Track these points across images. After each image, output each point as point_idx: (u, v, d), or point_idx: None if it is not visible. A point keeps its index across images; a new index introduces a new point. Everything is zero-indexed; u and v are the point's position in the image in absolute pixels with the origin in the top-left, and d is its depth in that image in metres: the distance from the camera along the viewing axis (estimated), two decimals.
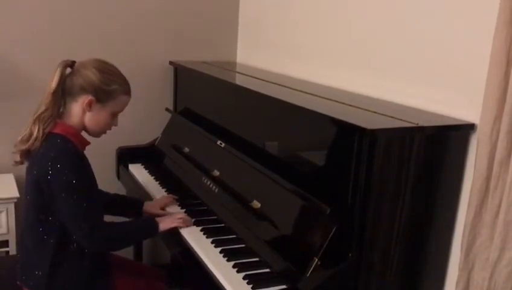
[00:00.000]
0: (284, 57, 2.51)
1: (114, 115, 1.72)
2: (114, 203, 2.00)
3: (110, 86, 1.66)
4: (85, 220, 1.60)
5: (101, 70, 1.65)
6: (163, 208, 2.02)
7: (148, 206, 2.01)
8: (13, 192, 2.28)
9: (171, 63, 2.71)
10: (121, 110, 1.73)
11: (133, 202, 2.06)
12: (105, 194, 1.98)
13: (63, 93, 1.64)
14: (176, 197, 2.11)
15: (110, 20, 2.58)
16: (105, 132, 1.75)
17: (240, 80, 2.42)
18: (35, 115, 1.61)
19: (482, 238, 1.45)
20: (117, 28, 2.60)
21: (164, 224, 1.81)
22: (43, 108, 1.61)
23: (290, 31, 2.47)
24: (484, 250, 1.45)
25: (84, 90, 1.63)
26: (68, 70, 1.65)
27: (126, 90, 1.71)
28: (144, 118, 2.72)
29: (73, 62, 1.66)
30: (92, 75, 1.63)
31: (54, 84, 1.61)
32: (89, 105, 1.64)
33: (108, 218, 1.78)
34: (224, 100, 2.30)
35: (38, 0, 2.42)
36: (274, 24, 2.60)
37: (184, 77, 2.68)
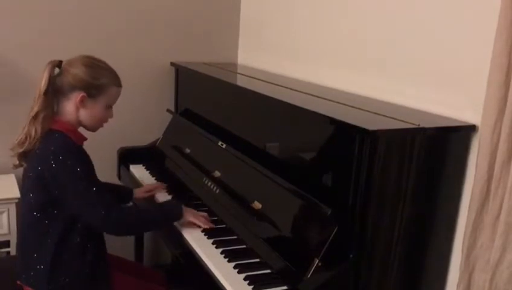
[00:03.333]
0: (285, 59, 2.51)
1: (108, 108, 1.73)
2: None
3: (99, 80, 1.67)
4: (98, 204, 1.62)
5: (88, 65, 1.66)
6: (150, 192, 2.14)
7: (138, 192, 2.13)
8: (14, 192, 2.28)
9: (172, 64, 2.71)
10: (114, 101, 1.75)
11: (123, 190, 2.16)
12: None
13: (54, 93, 1.65)
14: (165, 185, 2.21)
15: (111, 22, 2.59)
16: (102, 125, 1.77)
17: (240, 81, 2.42)
18: (30, 118, 1.63)
19: (483, 240, 1.45)
20: (118, 29, 2.60)
21: (189, 215, 1.83)
22: (36, 110, 1.62)
23: (291, 33, 2.47)
24: (485, 252, 1.45)
25: (74, 87, 1.64)
26: (56, 70, 1.66)
27: (116, 81, 1.72)
28: (145, 118, 2.72)
29: (61, 62, 1.67)
30: (79, 72, 1.64)
31: (43, 85, 1.62)
32: (82, 101, 1.66)
33: None
34: (225, 101, 2.31)
35: (39, 1, 2.43)
36: (275, 25, 2.60)
37: (185, 78, 2.68)
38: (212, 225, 1.87)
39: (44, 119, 1.62)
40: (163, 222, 1.89)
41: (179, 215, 1.82)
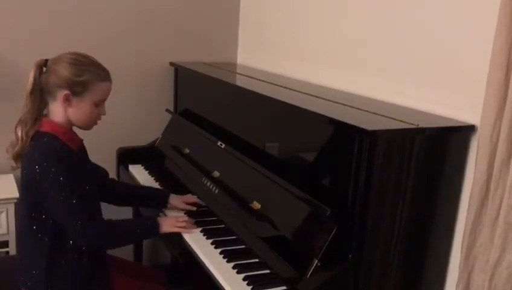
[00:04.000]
0: (284, 58, 2.51)
1: (97, 104, 1.67)
2: (136, 193, 2.01)
3: (81, 77, 1.61)
4: (76, 217, 1.58)
5: (72, 63, 1.62)
6: (188, 204, 2.01)
7: (173, 199, 2.01)
8: (13, 192, 2.28)
9: (171, 64, 2.71)
10: (103, 98, 1.68)
11: (158, 193, 2.07)
12: (126, 186, 1.99)
13: (42, 94, 1.63)
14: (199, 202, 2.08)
15: (111, 22, 2.59)
16: (95, 123, 1.72)
17: (240, 81, 2.42)
18: (20, 120, 1.62)
19: (482, 240, 1.45)
20: (118, 29, 2.60)
21: (167, 227, 1.79)
22: (24, 111, 1.61)
23: (291, 32, 2.47)
24: (484, 252, 1.44)
25: (58, 86, 1.61)
26: (44, 69, 1.63)
27: (102, 76, 1.66)
28: (144, 118, 2.72)
29: (46, 60, 1.64)
30: (63, 69, 1.60)
31: (28, 85, 1.60)
32: (67, 100, 1.61)
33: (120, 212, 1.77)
34: (225, 101, 2.30)
35: (39, 1, 2.42)
36: (274, 25, 2.60)
37: (184, 78, 2.68)
38: (195, 230, 1.83)
39: (29, 121, 1.60)
40: (140, 239, 1.87)
41: (156, 229, 1.77)
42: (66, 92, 1.61)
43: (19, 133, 1.61)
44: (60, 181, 1.55)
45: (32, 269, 1.65)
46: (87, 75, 1.62)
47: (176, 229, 1.80)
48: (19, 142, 1.61)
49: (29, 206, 1.63)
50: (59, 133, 1.63)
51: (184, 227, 1.81)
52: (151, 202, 2.05)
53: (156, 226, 1.78)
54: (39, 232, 1.63)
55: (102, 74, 1.66)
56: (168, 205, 2.00)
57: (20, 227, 1.71)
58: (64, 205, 1.58)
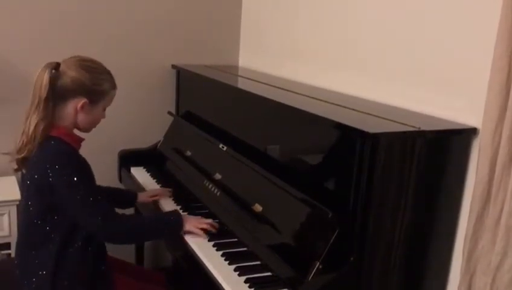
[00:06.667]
0: (286, 61, 2.51)
1: (104, 109, 1.72)
2: (108, 196, 1.99)
3: (101, 86, 1.65)
4: (94, 214, 1.60)
5: (88, 70, 1.62)
6: (154, 197, 2.09)
7: (141, 196, 2.10)
8: (15, 194, 2.28)
9: (173, 66, 2.72)
10: (111, 103, 1.73)
11: (126, 194, 2.13)
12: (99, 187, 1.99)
13: (54, 98, 1.60)
14: (170, 190, 2.18)
15: (113, 24, 2.59)
16: (95, 126, 1.74)
17: (242, 84, 2.42)
18: (32, 126, 1.58)
19: (483, 243, 1.45)
20: (120, 32, 2.61)
21: (189, 225, 1.78)
22: (37, 118, 1.57)
23: (292, 35, 2.47)
24: (486, 255, 1.44)
25: (75, 92, 1.61)
26: (53, 72, 1.59)
27: (114, 84, 1.70)
28: (146, 121, 2.73)
29: (58, 64, 1.61)
30: (80, 76, 1.60)
31: (43, 91, 1.56)
32: (83, 107, 1.63)
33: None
34: (227, 103, 2.31)
35: (39, 1, 2.43)
36: (276, 28, 2.61)
37: (186, 81, 2.68)
38: (214, 230, 1.83)
39: (45, 127, 1.59)
40: (162, 233, 1.85)
41: (180, 225, 1.77)
42: (84, 100, 1.62)
43: (32, 139, 1.58)
44: (74, 181, 1.57)
45: (39, 270, 1.65)
46: (105, 84, 1.66)
47: (198, 231, 1.79)
48: (28, 147, 1.59)
49: (42, 209, 1.63)
50: (64, 135, 1.64)
51: (207, 230, 1.80)
52: (121, 205, 2.06)
53: (180, 222, 1.77)
54: (52, 233, 1.63)
55: (114, 82, 1.70)
56: (137, 202, 2.10)
57: (26, 230, 1.70)
58: (82, 203, 1.59)
